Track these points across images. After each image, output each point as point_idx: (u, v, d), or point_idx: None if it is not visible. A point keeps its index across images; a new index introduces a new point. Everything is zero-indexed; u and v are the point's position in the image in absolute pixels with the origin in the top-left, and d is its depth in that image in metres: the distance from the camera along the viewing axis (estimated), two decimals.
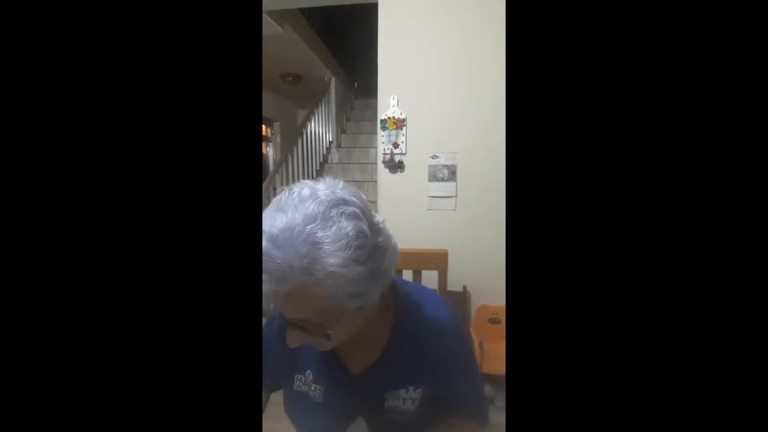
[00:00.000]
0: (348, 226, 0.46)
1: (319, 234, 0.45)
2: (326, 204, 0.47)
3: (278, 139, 5.50)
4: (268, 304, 0.47)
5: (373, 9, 2.23)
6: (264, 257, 0.43)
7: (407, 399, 0.62)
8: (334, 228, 0.45)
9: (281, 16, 3.07)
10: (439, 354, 0.63)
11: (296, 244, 0.44)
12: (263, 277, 0.44)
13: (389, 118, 2.15)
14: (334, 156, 4.41)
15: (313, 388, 0.64)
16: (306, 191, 0.48)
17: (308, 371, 0.65)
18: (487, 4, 1.99)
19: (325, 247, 0.45)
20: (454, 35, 2.05)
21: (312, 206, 0.46)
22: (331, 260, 0.45)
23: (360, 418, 0.63)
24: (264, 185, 3.26)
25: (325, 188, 0.49)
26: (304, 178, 3.72)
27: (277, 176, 3.47)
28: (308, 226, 0.45)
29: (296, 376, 0.66)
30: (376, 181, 2.35)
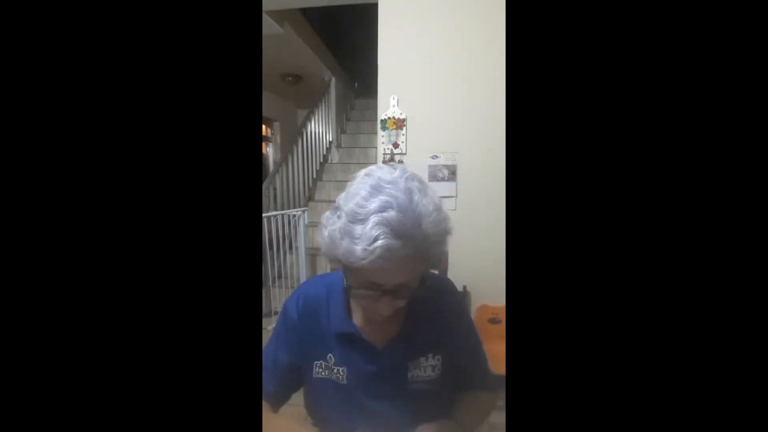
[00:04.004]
0: (435, 198, 0.56)
1: (435, 200, 0.54)
2: (420, 179, 0.56)
3: (278, 139, 5.49)
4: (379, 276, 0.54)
5: (373, 9, 2.23)
6: (392, 222, 0.50)
7: (428, 366, 0.66)
8: (436, 198, 0.55)
9: (281, 16, 3.07)
10: (452, 319, 0.70)
11: (420, 206, 0.52)
12: (390, 243, 0.49)
13: (389, 118, 2.15)
14: (334, 156, 4.40)
15: (336, 371, 0.66)
16: (394, 170, 0.56)
17: (329, 355, 0.66)
18: (487, 4, 1.99)
19: (442, 211, 0.54)
20: (454, 35, 2.05)
21: (414, 181, 0.55)
22: (446, 221, 0.55)
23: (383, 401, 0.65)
24: (264, 185, 3.25)
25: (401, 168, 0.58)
26: (304, 178, 3.75)
27: (277, 176, 3.47)
28: (427, 194, 0.54)
29: (315, 362, 0.67)
30: None
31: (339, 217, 0.54)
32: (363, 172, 0.57)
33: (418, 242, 0.52)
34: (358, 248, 0.50)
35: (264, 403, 0.68)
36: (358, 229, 0.50)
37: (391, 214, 0.50)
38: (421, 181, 0.56)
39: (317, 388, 0.68)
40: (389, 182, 0.53)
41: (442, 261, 0.60)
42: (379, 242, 0.49)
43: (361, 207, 0.51)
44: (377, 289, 0.56)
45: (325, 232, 0.55)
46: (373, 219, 0.50)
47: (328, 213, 0.57)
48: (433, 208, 0.53)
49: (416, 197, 0.53)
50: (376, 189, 0.52)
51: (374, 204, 0.51)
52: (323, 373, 0.67)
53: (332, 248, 0.55)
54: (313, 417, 0.73)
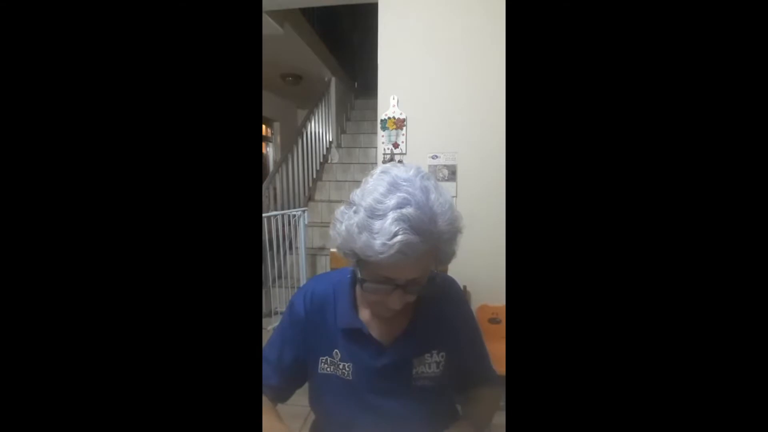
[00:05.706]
0: (449, 197, 0.58)
1: (449, 199, 0.56)
2: (433, 179, 0.58)
3: (278, 139, 5.49)
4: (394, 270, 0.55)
5: (373, 9, 2.23)
6: (411, 218, 0.51)
7: (432, 363, 0.67)
8: (449, 197, 0.57)
9: (281, 16, 3.07)
10: (457, 317, 0.72)
11: (436, 205, 0.54)
12: (409, 238, 0.51)
13: (389, 118, 2.15)
14: (334, 156, 4.40)
15: (341, 366, 0.66)
16: (409, 169, 0.58)
17: (335, 350, 0.67)
18: (488, 4, 1.99)
19: (455, 210, 0.57)
20: (454, 35, 2.05)
21: (429, 180, 0.57)
22: (459, 220, 0.57)
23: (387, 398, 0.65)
24: (264, 185, 3.25)
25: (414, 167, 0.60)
26: (304, 178, 3.75)
27: (277, 176, 3.47)
28: (441, 193, 0.56)
29: (321, 358, 0.68)
30: None
31: (356, 212, 0.55)
32: (378, 169, 0.59)
33: (434, 239, 0.54)
34: (378, 242, 0.51)
35: (266, 397, 0.68)
36: (377, 224, 0.52)
37: (409, 210, 0.51)
38: (435, 181, 0.58)
39: (322, 384, 0.68)
40: (406, 180, 0.55)
41: (451, 258, 0.62)
42: (399, 237, 0.50)
43: (380, 203, 0.53)
44: (390, 284, 0.57)
45: (341, 227, 0.57)
46: (392, 215, 0.51)
47: (342, 208, 0.59)
48: (448, 207, 0.55)
49: (432, 196, 0.55)
50: (393, 186, 0.54)
51: (392, 200, 0.52)
52: (329, 369, 0.67)
53: (349, 242, 0.56)
54: (317, 413, 0.73)
